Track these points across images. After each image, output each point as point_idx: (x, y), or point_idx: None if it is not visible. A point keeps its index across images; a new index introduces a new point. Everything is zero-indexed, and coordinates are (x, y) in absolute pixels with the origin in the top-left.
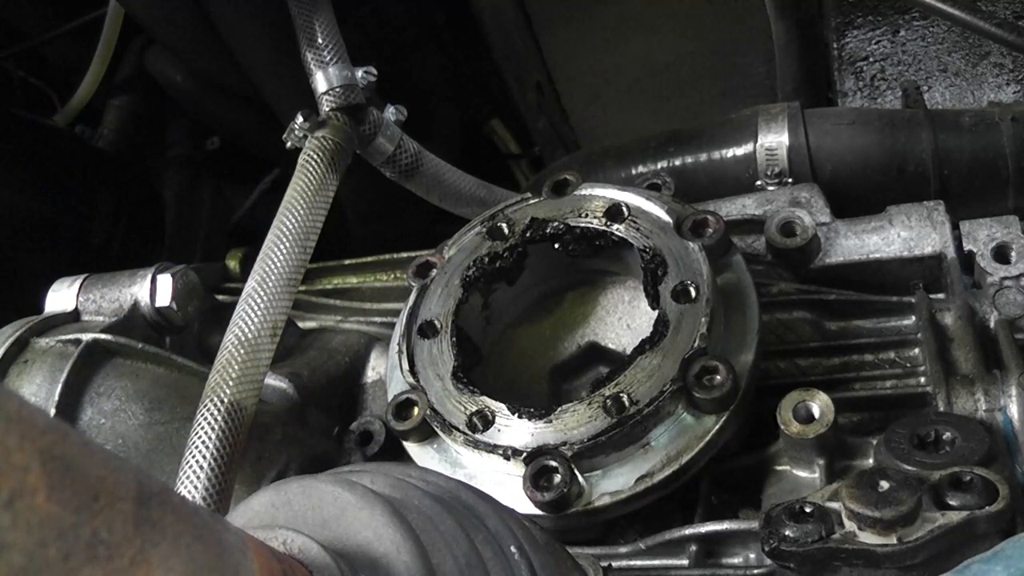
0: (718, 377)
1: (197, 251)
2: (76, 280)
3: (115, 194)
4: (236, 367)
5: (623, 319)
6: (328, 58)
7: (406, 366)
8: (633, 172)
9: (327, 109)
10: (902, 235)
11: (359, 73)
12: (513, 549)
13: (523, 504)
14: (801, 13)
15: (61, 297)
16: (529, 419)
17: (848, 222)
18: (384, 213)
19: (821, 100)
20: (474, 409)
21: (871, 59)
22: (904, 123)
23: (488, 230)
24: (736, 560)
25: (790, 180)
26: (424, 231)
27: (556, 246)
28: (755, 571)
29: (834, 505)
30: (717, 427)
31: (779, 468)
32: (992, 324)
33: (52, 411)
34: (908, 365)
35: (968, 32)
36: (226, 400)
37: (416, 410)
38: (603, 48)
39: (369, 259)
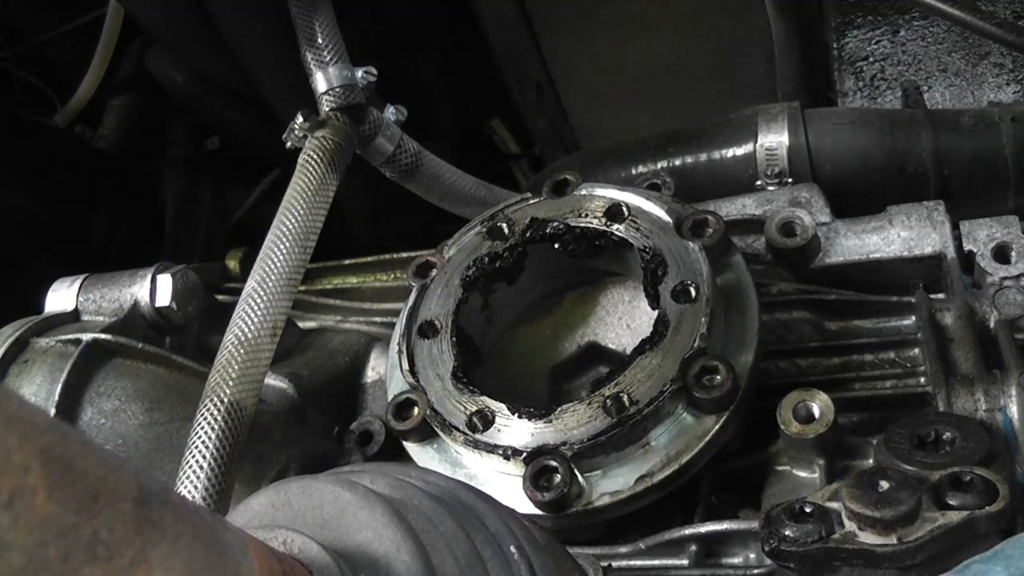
0: (718, 377)
1: (197, 251)
2: (76, 280)
3: (115, 194)
4: (236, 367)
5: (623, 319)
6: (328, 58)
7: (406, 366)
8: (633, 172)
9: (327, 109)
10: (902, 235)
11: (359, 73)
12: (513, 549)
13: (523, 504)
14: (801, 13)
15: (61, 297)
16: (529, 419)
17: (848, 222)
18: (384, 213)
19: (821, 100)
20: (474, 409)
21: (871, 59)
22: (904, 123)
23: (488, 230)
24: (736, 560)
25: (790, 180)
26: (424, 231)
27: (556, 246)
28: (755, 571)
29: (834, 505)
30: (717, 427)
31: (779, 468)
32: (992, 324)
33: (52, 411)
34: (908, 365)
35: (968, 32)
36: (226, 400)
37: (416, 410)
38: (603, 48)
39: (369, 259)
